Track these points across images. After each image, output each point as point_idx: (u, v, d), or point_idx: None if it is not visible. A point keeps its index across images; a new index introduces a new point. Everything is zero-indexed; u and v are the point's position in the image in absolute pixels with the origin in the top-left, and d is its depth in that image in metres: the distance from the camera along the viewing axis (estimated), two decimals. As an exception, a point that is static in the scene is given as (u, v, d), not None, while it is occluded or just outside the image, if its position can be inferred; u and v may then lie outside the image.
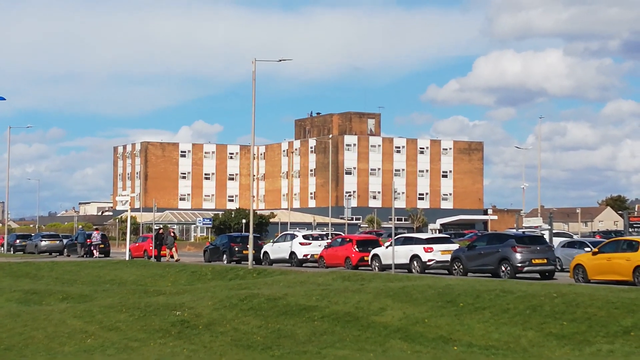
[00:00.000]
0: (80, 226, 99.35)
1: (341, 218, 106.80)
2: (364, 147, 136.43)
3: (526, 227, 56.20)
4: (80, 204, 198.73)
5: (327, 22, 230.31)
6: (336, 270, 37.32)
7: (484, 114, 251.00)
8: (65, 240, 69.54)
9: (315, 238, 48.06)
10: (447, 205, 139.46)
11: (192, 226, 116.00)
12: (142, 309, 25.18)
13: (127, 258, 53.45)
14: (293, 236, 48.46)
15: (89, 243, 61.14)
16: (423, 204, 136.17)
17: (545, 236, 42.44)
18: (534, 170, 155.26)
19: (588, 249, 36.95)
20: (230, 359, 19.15)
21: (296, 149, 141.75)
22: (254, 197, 61.44)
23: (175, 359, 19.48)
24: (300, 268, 43.13)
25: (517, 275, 33.78)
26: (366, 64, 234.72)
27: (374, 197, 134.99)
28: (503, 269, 34.31)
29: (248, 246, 44.17)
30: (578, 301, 21.48)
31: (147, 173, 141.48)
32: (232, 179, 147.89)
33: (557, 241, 44.49)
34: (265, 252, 48.38)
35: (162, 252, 52.01)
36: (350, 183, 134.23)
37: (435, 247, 38.46)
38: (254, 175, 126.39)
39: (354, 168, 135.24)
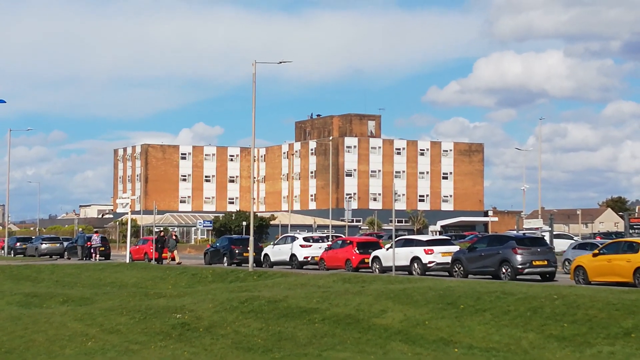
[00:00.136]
0: (80, 229, 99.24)
1: (341, 220, 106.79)
2: (365, 149, 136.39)
3: (527, 229, 56.20)
4: (80, 206, 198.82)
5: (327, 23, 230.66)
6: (337, 273, 37.32)
7: (485, 115, 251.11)
8: (65, 243, 69.48)
9: (316, 240, 48.07)
10: (447, 207, 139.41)
11: (193, 228, 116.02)
12: (143, 312, 25.19)
13: (127, 261, 53.40)
14: (293, 238, 48.44)
15: (88, 246, 61.11)
16: (423, 206, 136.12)
17: (545, 238, 42.46)
18: (535, 171, 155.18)
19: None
20: (231, 362, 19.16)
21: (296, 151, 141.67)
22: (254, 199, 61.46)
23: (176, 361, 19.49)
24: (301, 270, 43.10)
25: (517, 277, 33.76)
26: (366, 65, 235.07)
27: (375, 199, 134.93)
28: (504, 270, 34.29)
29: (248, 248, 44.18)
30: (579, 303, 21.47)
31: (147, 175, 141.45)
32: (233, 181, 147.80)
33: (567, 243, 44.42)
34: (266, 255, 48.38)
35: (163, 255, 52.00)
36: (350, 185, 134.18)
37: (435, 249, 38.45)
38: (255, 178, 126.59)
39: (355, 170, 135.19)
